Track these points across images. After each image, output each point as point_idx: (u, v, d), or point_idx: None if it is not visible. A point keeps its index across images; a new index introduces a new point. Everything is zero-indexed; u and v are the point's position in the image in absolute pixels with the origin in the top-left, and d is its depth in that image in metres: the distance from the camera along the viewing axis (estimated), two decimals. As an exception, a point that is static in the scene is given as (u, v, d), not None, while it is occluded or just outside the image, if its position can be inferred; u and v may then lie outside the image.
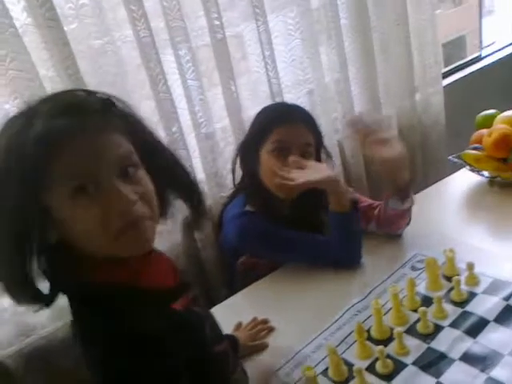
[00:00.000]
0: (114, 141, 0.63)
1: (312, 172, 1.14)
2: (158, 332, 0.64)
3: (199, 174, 1.37)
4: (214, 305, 1.15)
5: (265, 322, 1.08)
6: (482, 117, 1.49)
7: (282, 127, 1.20)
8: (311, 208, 1.25)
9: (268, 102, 1.39)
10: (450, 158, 1.45)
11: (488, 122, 1.45)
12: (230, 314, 1.13)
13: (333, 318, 1.05)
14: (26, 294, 0.64)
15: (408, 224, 1.26)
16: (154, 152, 0.70)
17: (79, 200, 0.60)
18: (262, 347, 1.02)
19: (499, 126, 1.40)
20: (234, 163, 1.32)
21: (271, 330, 1.06)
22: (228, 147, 1.43)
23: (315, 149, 1.25)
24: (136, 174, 0.65)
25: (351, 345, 0.97)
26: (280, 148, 1.19)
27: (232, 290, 1.23)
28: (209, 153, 1.38)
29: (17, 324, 1.14)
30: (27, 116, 0.61)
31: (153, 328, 0.63)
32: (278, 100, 1.46)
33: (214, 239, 1.37)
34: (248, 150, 1.27)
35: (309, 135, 1.22)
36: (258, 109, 1.29)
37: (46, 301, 0.65)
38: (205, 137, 1.36)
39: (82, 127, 0.59)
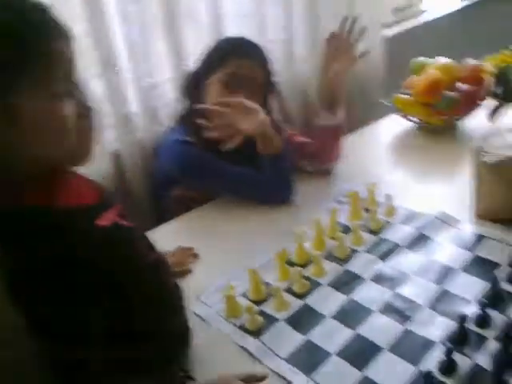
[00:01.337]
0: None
1: (243, 120, 1.16)
2: (82, 251, 0.64)
3: (133, 106, 1.34)
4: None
5: (189, 249, 1.10)
6: (416, 62, 1.53)
7: (238, 60, 1.21)
8: (251, 145, 1.26)
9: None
10: (382, 100, 1.49)
11: (422, 68, 1.49)
12: (158, 243, 1.14)
13: (258, 249, 1.08)
14: None
15: (338, 158, 1.31)
16: None
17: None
18: (186, 272, 1.04)
19: (430, 72, 1.44)
20: (181, 93, 1.31)
21: (195, 256, 1.08)
22: (165, 83, 1.40)
23: (264, 85, 1.27)
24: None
25: (272, 269, 1.00)
26: (230, 81, 1.20)
27: (162, 222, 1.23)
28: (145, 83, 1.34)
29: None
30: None
31: (75, 248, 0.63)
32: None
33: (146, 170, 1.35)
34: (197, 79, 1.26)
35: (261, 73, 1.24)
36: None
37: None
38: (141, 66, 1.32)
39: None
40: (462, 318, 0.80)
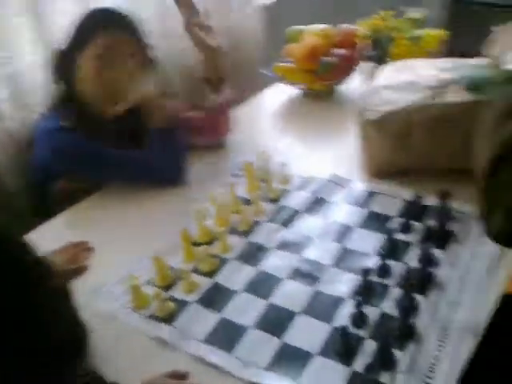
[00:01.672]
0: None
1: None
2: None
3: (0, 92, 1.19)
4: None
5: (82, 244, 1.02)
6: (291, 31, 1.54)
7: (107, 33, 1.12)
8: (135, 123, 1.19)
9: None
10: (263, 71, 1.49)
11: (298, 36, 1.51)
12: (44, 241, 1.03)
13: (156, 233, 1.03)
14: None
15: (228, 132, 1.29)
16: None
17: None
18: (83, 269, 0.96)
19: (309, 39, 1.47)
20: (51, 74, 1.19)
21: (90, 250, 1.01)
22: (33, 65, 1.26)
23: (138, 57, 1.18)
24: None
25: (175, 252, 0.96)
26: (102, 56, 1.11)
27: (45, 218, 1.12)
28: (8, 66, 1.19)
29: None
30: None
31: None
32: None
33: (19, 162, 1.22)
34: (67, 58, 1.15)
35: (133, 43, 1.16)
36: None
37: None
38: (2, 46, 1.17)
39: None
40: (365, 272, 0.84)
